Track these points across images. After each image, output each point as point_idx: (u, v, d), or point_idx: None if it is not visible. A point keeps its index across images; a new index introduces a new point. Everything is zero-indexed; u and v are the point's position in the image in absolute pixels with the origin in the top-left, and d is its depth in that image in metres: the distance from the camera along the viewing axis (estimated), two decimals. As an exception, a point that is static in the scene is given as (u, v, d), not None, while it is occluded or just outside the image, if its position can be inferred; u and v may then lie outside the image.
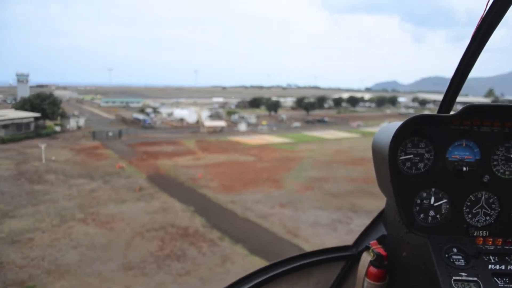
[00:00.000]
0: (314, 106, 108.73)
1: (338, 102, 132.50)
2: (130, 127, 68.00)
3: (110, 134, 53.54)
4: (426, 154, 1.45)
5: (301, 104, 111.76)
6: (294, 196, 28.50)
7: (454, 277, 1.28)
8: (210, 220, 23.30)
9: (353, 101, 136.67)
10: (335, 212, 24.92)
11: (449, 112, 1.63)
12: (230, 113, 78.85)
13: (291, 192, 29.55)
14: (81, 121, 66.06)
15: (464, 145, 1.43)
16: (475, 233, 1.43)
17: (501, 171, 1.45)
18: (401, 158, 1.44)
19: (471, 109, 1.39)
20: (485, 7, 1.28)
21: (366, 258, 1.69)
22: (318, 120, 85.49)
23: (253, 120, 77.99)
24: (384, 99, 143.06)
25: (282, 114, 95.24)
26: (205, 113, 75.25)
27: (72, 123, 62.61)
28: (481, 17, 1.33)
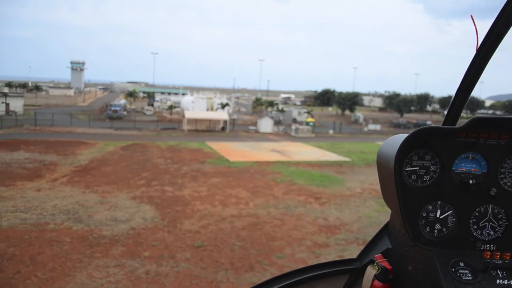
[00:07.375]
0: (411, 105, 74.19)
1: (447, 104, 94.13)
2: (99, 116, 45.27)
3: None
4: (432, 167, 1.40)
5: (393, 103, 78.09)
6: None
7: None
8: None
9: (471, 105, 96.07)
10: None
11: (455, 125, 1.56)
12: (261, 104, 48.69)
13: None
14: (17, 104, 43.16)
15: (470, 157, 1.39)
16: (482, 247, 1.38)
17: (509, 184, 1.40)
18: (406, 170, 1.39)
19: (478, 121, 1.36)
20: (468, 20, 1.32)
21: (370, 271, 1.61)
22: (415, 123, 51.44)
23: (302, 117, 47.65)
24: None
25: (359, 113, 63.00)
26: (219, 101, 46.69)
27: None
28: (490, 26, 1.30)
